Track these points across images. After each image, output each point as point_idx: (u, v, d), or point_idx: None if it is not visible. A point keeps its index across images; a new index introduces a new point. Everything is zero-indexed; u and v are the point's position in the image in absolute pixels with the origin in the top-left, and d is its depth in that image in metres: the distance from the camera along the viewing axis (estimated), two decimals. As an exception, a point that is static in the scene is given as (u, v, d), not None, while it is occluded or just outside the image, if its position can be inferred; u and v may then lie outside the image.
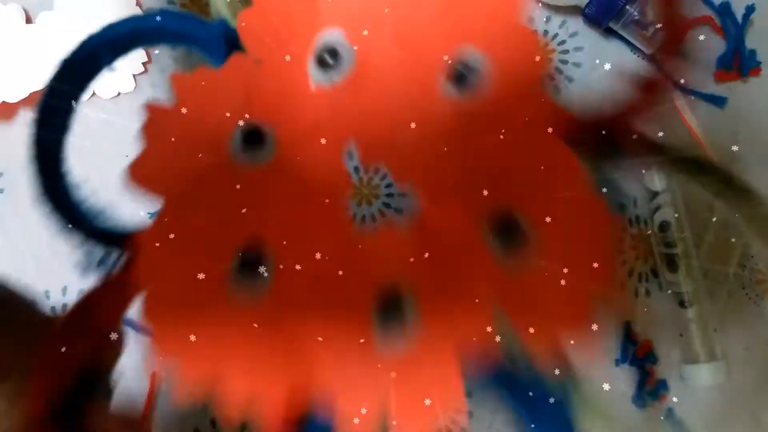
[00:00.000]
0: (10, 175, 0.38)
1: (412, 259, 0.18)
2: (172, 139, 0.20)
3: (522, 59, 0.18)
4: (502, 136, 0.18)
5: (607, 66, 0.36)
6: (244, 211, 0.19)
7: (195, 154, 0.20)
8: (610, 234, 0.19)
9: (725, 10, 0.37)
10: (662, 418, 0.36)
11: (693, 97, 0.37)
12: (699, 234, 0.37)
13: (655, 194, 0.35)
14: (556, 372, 0.19)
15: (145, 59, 0.37)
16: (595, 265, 0.18)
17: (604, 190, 0.20)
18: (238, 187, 0.19)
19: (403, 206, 0.20)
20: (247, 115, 0.20)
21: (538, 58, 0.19)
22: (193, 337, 0.18)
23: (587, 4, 0.35)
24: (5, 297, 0.21)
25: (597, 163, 0.20)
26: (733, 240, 0.37)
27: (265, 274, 0.19)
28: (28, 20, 0.37)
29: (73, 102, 0.23)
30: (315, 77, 0.20)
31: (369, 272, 0.19)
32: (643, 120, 0.22)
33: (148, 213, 0.27)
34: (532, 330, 0.18)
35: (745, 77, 0.37)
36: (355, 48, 0.19)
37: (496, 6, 0.19)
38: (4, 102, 0.36)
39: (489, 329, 0.18)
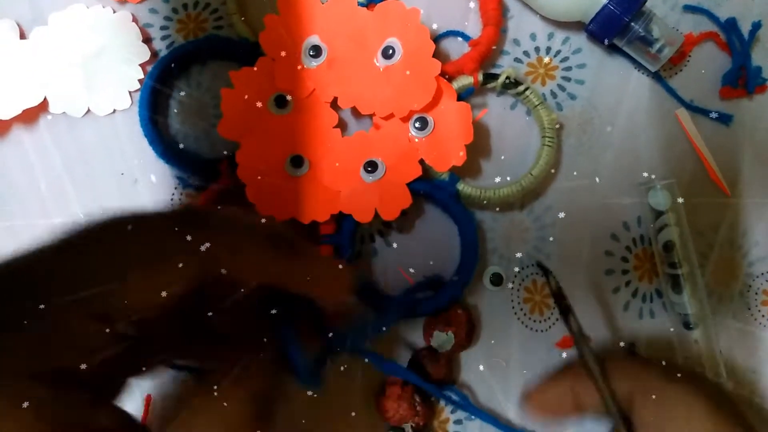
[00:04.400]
0: (3, 191, 0.37)
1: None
2: (238, 109, 0.34)
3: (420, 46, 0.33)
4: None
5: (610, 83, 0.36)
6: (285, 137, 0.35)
7: (251, 113, 0.34)
8: None
9: (731, 27, 0.36)
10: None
11: (698, 114, 0.36)
12: (704, 254, 0.36)
13: (659, 214, 0.35)
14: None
15: (141, 76, 0.36)
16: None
17: None
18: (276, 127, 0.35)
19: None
20: (275, 90, 0.34)
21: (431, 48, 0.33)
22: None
23: (591, 20, 0.34)
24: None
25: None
26: (738, 260, 0.36)
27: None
28: (22, 36, 0.37)
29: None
30: (306, 63, 0.34)
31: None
32: None
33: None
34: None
35: (751, 94, 0.36)
36: (326, 46, 0.34)
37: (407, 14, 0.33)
38: (-3, 119, 0.36)
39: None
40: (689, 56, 0.36)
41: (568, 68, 0.36)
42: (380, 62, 0.33)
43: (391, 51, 0.33)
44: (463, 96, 0.35)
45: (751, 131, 0.36)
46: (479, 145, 0.35)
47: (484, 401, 0.35)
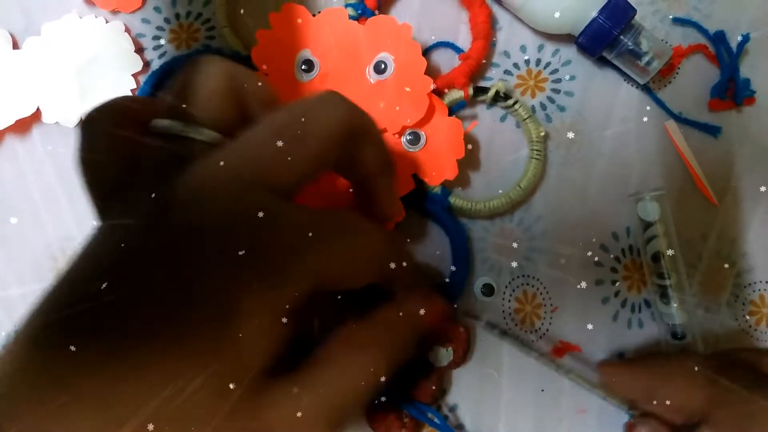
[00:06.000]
0: (-4, 201, 0.37)
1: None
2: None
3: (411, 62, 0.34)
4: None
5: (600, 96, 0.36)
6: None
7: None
8: None
9: (720, 39, 0.36)
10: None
11: (687, 126, 0.36)
12: (692, 265, 0.36)
13: (648, 225, 0.35)
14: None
15: (133, 85, 0.36)
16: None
17: None
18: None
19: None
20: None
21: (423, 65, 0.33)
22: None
23: (580, 33, 0.34)
24: None
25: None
26: (725, 271, 0.37)
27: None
28: (15, 45, 0.37)
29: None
30: (299, 78, 0.34)
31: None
32: None
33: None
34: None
35: (740, 106, 0.37)
36: (319, 60, 0.34)
37: (399, 30, 0.34)
38: (-10, 128, 0.36)
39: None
40: (678, 68, 0.37)
41: (558, 80, 0.36)
42: (372, 77, 0.34)
43: (383, 66, 0.33)
44: (454, 109, 0.35)
45: (739, 143, 0.37)
46: (469, 155, 0.35)
47: (473, 412, 0.36)
